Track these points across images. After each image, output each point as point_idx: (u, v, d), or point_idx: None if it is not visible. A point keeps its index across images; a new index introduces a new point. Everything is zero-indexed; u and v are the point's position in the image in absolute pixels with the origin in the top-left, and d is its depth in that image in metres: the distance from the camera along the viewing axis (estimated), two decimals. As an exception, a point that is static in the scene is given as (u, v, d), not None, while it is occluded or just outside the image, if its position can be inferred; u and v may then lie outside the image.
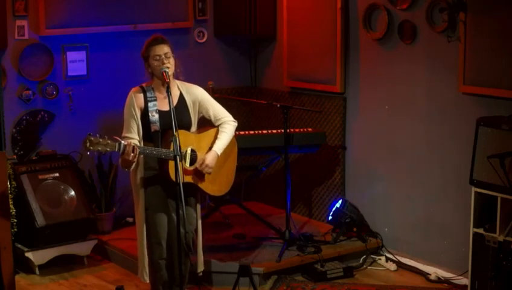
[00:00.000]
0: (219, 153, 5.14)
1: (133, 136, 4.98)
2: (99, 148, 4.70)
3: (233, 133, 5.26)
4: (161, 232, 5.06)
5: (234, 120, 5.28)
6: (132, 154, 4.77)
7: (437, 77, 5.86)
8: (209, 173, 5.11)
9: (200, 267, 5.36)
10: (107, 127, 6.56)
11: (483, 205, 5.22)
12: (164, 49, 4.97)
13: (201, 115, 5.21)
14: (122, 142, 4.75)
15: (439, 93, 5.85)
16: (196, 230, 5.25)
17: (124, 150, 4.75)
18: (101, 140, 4.69)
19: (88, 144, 4.67)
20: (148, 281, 5.20)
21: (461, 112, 5.70)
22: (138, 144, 4.97)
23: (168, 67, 4.97)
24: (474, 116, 5.37)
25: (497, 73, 5.38)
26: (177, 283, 5.02)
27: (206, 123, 5.28)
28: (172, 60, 5.00)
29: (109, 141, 4.72)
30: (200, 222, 5.28)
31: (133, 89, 5.08)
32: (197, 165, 5.07)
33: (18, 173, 6.11)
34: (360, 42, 6.38)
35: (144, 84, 5.10)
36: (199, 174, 5.12)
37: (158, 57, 4.96)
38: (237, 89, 7.37)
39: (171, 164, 4.87)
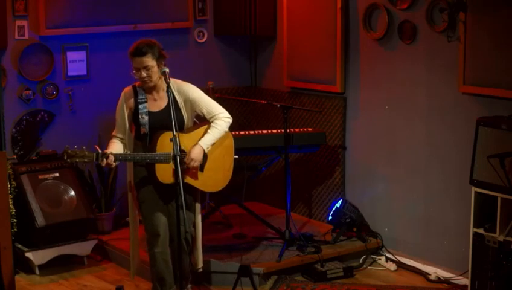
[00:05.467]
0: (204, 147, 5.09)
1: (121, 136, 5.14)
2: (77, 160, 4.91)
3: (225, 129, 5.19)
4: (157, 225, 5.09)
5: (228, 116, 5.22)
6: (111, 162, 4.90)
7: (437, 77, 5.86)
8: (195, 167, 5.09)
9: (200, 264, 5.38)
10: (107, 127, 6.54)
11: (483, 205, 5.22)
12: (143, 63, 4.94)
13: (195, 113, 5.21)
14: (100, 152, 4.89)
15: (439, 93, 5.85)
16: (195, 226, 5.28)
17: (101, 159, 4.88)
18: (78, 152, 4.90)
19: (65, 157, 4.88)
20: (132, 279, 5.39)
21: (461, 112, 5.70)
22: (124, 143, 5.11)
23: (145, 79, 4.98)
24: (474, 116, 5.37)
25: (497, 73, 5.38)
26: (179, 279, 5.05)
27: (204, 119, 5.28)
28: (153, 71, 4.96)
29: (86, 153, 4.89)
30: (199, 218, 5.32)
31: (125, 89, 5.17)
32: (185, 160, 5.06)
33: (18, 173, 6.11)
34: (360, 42, 6.38)
35: (136, 84, 5.13)
36: (191, 173, 5.12)
37: (136, 70, 5.00)
38: (237, 89, 7.37)
39: (158, 166, 4.96)
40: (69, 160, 4.86)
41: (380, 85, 6.29)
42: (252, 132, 6.27)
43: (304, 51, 6.79)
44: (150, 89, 5.07)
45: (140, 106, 5.04)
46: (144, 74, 4.96)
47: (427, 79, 5.92)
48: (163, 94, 5.08)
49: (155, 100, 5.06)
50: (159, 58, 4.99)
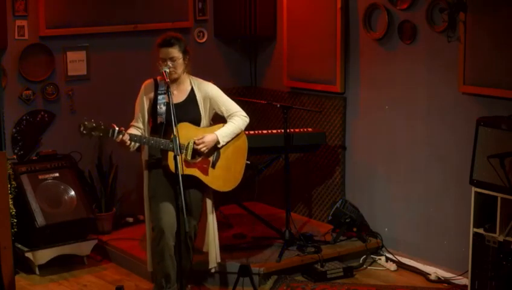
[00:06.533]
0: (220, 139, 5.18)
1: (139, 126, 5.17)
2: (93, 133, 4.85)
3: (241, 126, 5.30)
4: (164, 221, 5.08)
5: (246, 115, 5.34)
6: (126, 140, 4.91)
7: (437, 77, 5.86)
8: (203, 152, 5.13)
9: (212, 264, 5.41)
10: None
11: (483, 205, 5.22)
12: (169, 54, 5.04)
13: (214, 111, 5.28)
14: (116, 128, 4.89)
15: (439, 93, 5.85)
16: (205, 224, 5.33)
17: (117, 136, 4.88)
18: (95, 125, 4.85)
19: (82, 128, 4.84)
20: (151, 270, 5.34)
21: (461, 112, 5.70)
22: (141, 132, 5.12)
23: (169, 69, 5.02)
24: (474, 116, 5.37)
25: (497, 73, 5.38)
26: (179, 276, 5.06)
27: (222, 120, 5.33)
28: (178, 63, 5.06)
29: (103, 126, 4.87)
30: (214, 217, 5.38)
31: (146, 82, 5.25)
32: (195, 140, 5.09)
33: (18, 173, 6.11)
34: (360, 42, 6.38)
35: (158, 78, 5.20)
36: (202, 168, 5.14)
37: (163, 60, 5.05)
38: (237, 89, 7.37)
39: (170, 155, 4.94)
40: (85, 132, 4.83)
41: (380, 85, 6.29)
42: (252, 132, 6.26)
43: (304, 51, 6.79)
44: (172, 81, 5.10)
45: (160, 97, 5.12)
46: (169, 64, 5.04)
47: (427, 79, 5.92)
48: (183, 88, 5.18)
49: (174, 92, 5.09)
50: (185, 52, 5.11)
